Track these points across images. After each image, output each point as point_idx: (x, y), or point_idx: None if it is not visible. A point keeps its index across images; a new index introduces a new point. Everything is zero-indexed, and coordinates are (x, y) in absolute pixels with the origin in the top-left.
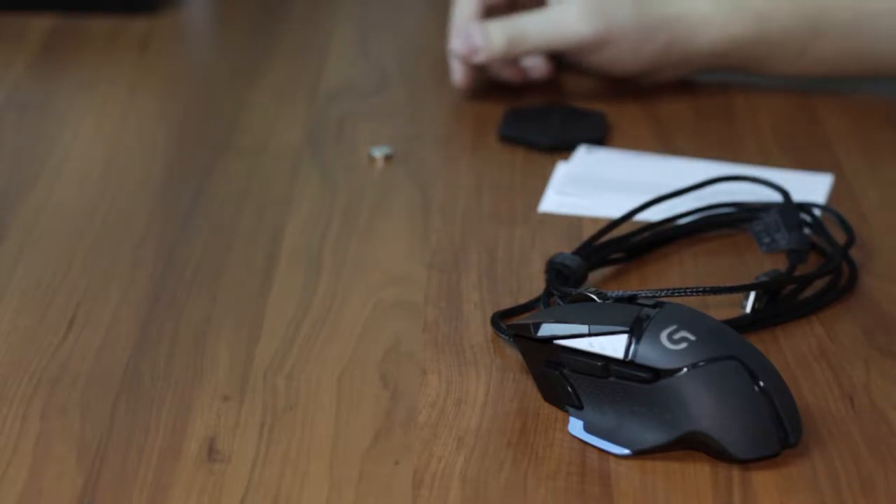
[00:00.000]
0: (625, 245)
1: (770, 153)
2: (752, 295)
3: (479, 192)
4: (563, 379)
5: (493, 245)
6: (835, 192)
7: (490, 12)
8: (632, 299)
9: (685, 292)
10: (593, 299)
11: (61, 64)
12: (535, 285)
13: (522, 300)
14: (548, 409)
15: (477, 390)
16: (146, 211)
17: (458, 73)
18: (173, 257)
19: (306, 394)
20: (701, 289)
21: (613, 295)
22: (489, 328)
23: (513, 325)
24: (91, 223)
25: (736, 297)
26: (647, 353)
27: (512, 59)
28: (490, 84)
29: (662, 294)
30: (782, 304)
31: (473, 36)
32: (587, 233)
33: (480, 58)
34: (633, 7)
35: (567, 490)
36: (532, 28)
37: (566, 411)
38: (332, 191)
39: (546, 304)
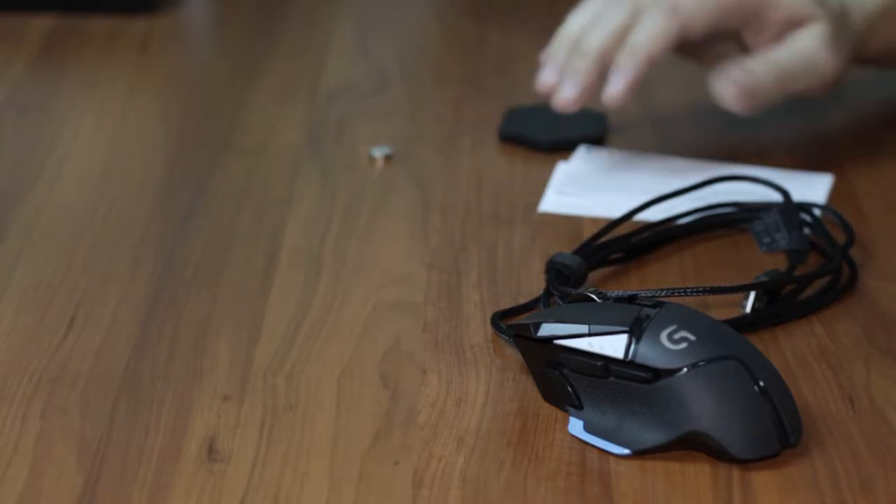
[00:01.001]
0: (625, 245)
1: (770, 153)
2: (752, 295)
3: (479, 192)
4: (563, 379)
5: (493, 245)
6: (835, 192)
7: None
8: (632, 299)
9: (685, 292)
10: (593, 299)
11: (61, 64)
12: (535, 285)
13: (522, 300)
14: (548, 409)
15: (477, 390)
16: (146, 211)
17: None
18: (173, 257)
19: (306, 394)
20: (701, 289)
21: (613, 295)
22: (489, 328)
23: (513, 325)
24: (91, 223)
25: (736, 297)
26: (647, 353)
27: None
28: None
29: (662, 294)
30: (782, 304)
31: (743, 78)
32: (587, 233)
33: (755, 101)
34: (851, 39)
35: (567, 490)
36: (787, 63)
37: (566, 411)
38: (332, 191)
39: (546, 304)
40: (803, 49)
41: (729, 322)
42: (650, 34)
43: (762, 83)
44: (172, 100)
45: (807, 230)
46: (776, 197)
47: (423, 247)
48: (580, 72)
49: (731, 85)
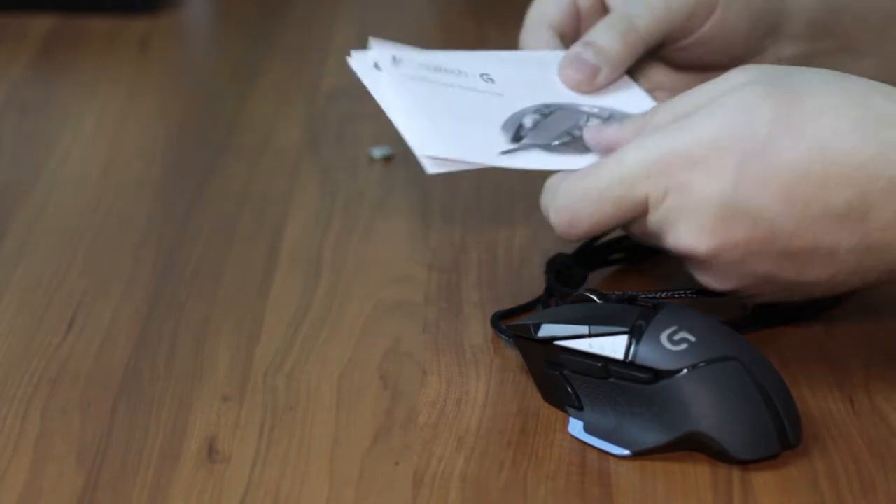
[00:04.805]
0: (625, 246)
1: None
2: None
3: (479, 192)
4: (563, 380)
5: (493, 245)
6: None
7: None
8: (632, 300)
9: (685, 293)
10: (593, 300)
11: (61, 64)
12: (536, 286)
13: (522, 301)
14: (548, 410)
15: (477, 391)
16: (146, 211)
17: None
18: (173, 257)
19: (306, 394)
20: (701, 290)
21: (614, 296)
22: (489, 328)
23: (513, 326)
24: (91, 223)
25: (736, 297)
26: (647, 354)
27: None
28: None
29: (663, 295)
30: (782, 304)
31: (582, 55)
32: None
33: (603, 75)
34: None
35: (567, 490)
36: (635, 11)
37: (566, 412)
38: (332, 191)
39: (546, 304)
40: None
41: (729, 323)
42: None
43: (610, 48)
44: (172, 100)
45: None
46: None
47: (423, 247)
48: None
49: (567, 69)
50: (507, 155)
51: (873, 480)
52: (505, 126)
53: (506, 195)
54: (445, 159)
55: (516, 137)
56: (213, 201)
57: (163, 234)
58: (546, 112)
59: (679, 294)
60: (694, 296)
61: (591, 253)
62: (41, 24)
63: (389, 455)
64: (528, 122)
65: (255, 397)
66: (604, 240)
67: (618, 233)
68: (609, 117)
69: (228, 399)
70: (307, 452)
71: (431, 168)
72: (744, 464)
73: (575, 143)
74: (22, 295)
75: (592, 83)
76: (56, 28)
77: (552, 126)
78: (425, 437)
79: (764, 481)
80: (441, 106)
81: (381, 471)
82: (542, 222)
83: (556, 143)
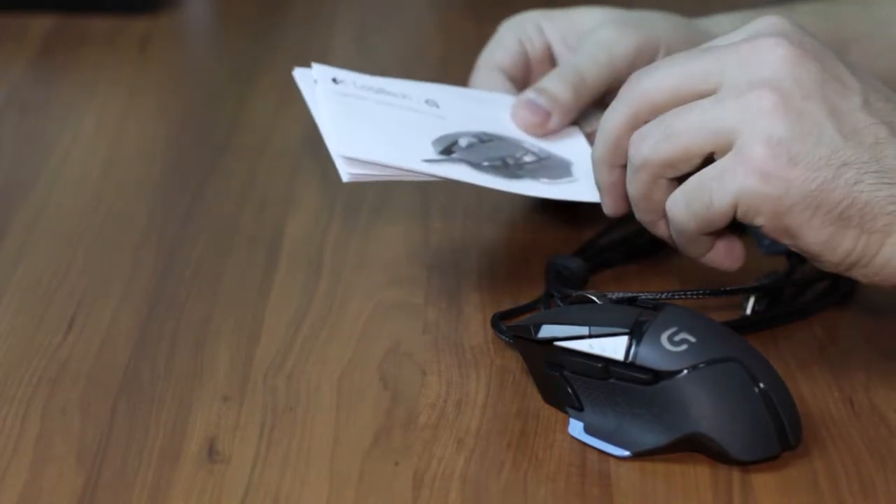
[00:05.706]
0: (626, 246)
1: None
2: (753, 297)
3: (479, 192)
4: (563, 380)
5: (493, 246)
6: None
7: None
8: (632, 301)
9: (686, 294)
10: (594, 301)
11: (61, 64)
12: (536, 287)
13: (523, 301)
14: (548, 411)
15: (477, 391)
16: (146, 211)
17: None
18: (173, 257)
19: (306, 394)
20: (701, 291)
21: (614, 297)
22: (489, 329)
23: (513, 327)
24: (91, 223)
25: (736, 298)
26: (648, 355)
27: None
28: None
29: (663, 296)
30: (782, 305)
31: (536, 100)
32: (588, 234)
33: (554, 121)
34: (666, 21)
35: (567, 491)
36: (583, 64)
37: (566, 413)
38: (332, 191)
39: (546, 305)
40: (595, 42)
41: (729, 324)
42: None
43: (560, 96)
44: (172, 100)
45: None
46: None
47: (424, 247)
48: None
49: (519, 111)
50: (431, 164)
51: (873, 481)
52: (437, 141)
53: (506, 195)
54: (363, 161)
55: (446, 152)
56: (213, 201)
57: (163, 234)
58: (485, 139)
59: (680, 295)
60: (694, 296)
61: (592, 253)
62: (41, 24)
63: (389, 456)
64: (462, 142)
65: (255, 398)
66: (604, 241)
67: (618, 234)
68: (547, 158)
69: (228, 399)
70: (307, 453)
71: (347, 172)
72: (744, 465)
73: (505, 170)
74: (22, 295)
75: (545, 126)
76: (56, 28)
77: (487, 151)
78: (425, 438)
79: (764, 482)
80: (372, 116)
81: (382, 471)
82: (543, 222)
83: (486, 164)
